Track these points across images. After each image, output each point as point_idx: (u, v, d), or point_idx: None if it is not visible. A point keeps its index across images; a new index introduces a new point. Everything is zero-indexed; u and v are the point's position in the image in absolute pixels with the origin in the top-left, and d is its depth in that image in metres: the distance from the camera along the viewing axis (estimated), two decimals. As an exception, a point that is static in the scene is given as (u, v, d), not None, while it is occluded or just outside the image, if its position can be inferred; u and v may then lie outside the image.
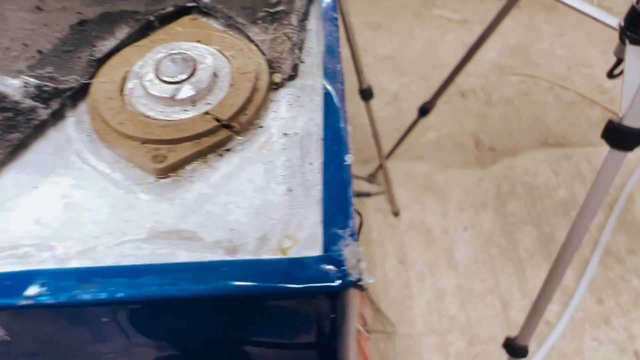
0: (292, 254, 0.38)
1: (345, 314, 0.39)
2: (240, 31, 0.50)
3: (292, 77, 0.48)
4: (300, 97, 0.46)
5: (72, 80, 0.46)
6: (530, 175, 2.09)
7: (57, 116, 0.47)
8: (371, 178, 2.11)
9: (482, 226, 2.00)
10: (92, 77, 0.48)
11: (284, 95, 0.47)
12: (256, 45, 0.49)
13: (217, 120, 0.44)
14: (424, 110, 1.83)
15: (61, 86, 0.46)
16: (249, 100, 0.45)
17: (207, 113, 0.44)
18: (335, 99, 0.44)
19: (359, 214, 1.42)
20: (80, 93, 0.48)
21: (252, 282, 0.36)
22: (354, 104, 2.29)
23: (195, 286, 0.37)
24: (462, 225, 2.01)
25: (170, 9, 0.52)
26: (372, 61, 2.43)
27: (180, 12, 0.53)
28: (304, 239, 0.39)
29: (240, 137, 0.45)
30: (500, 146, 2.17)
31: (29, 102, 0.45)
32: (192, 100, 0.45)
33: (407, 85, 2.36)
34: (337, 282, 0.36)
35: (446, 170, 2.12)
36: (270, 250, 0.39)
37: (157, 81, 0.45)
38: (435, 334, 1.82)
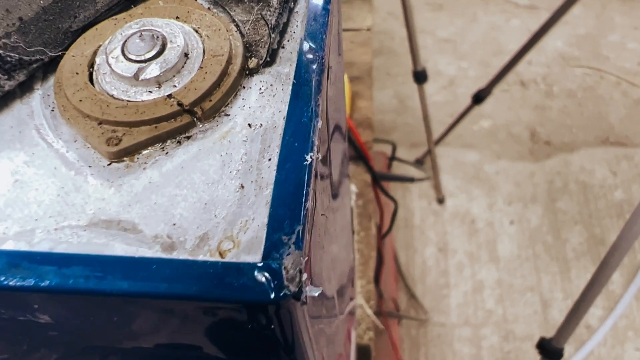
0: (231, 257, 0.35)
1: (287, 327, 0.36)
2: (224, 9, 0.47)
3: (268, 63, 0.44)
4: (273, 85, 0.43)
5: (39, 52, 0.44)
6: (586, 173, 2.00)
7: (25, 88, 0.45)
8: (418, 163, 2.07)
9: (530, 221, 1.94)
10: (66, 49, 0.46)
11: (256, 83, 0.44)
12: (236, 25, 0.46)
13: (179, 104, 0.41)
14: (478, 98, 1.77)
15: (27, 57, 0.44)
16: (215, 85, 0.42)
17: (169, 96, 0.41)
18: (306, 91, 0.41)
19: (394, 200, 1.38)
20: (51, 66, 0.46)
21: (180, 284, 0.34)
22: (407, 87, 2.24)
23: (121, 282, 0.34)
24: (509, 219, 1.96)
25: (157, -19, 0.49)
26: (430, 43, 2.36)
27: (168, -15, 0.50)
28: (246, 242, 0.36)
29: (203, 125, 0.42)
30: (557, 141, 2.09)
31: (-10, 72, 0.43)
32: (158, 81, 0.42)
33: (465, 70, 2.29)
34: (272, 294, 0.33)
35: (497, 161, 2.06)
36: (209, 251, 0.36)
37: (122, 58, 0.42)
38: (469, 326, 1.79)
